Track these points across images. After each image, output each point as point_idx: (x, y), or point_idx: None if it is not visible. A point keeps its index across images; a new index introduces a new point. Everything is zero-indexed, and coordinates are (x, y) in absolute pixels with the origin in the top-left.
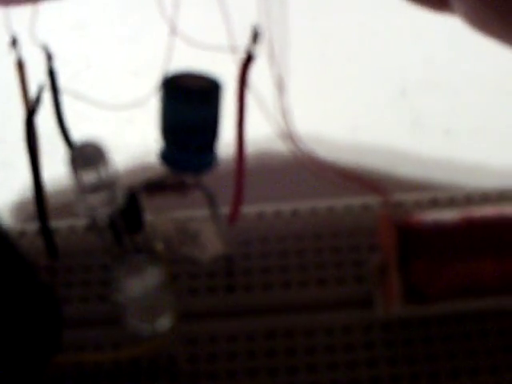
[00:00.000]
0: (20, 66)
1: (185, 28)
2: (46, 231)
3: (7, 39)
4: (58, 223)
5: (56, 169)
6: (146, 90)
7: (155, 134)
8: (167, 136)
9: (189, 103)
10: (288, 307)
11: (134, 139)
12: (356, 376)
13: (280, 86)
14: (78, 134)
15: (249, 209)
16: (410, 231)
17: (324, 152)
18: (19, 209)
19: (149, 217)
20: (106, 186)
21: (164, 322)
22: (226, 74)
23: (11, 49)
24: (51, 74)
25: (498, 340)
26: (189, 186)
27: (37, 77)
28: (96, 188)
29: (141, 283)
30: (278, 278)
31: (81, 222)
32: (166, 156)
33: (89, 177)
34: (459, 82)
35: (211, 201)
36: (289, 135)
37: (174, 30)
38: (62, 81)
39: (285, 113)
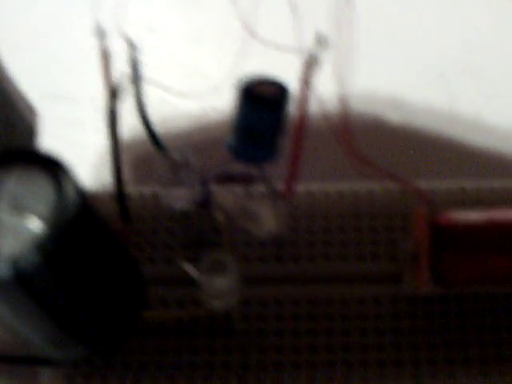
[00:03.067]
0: (104, 55)
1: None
2: (121, 198)
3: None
4: (129, 189)
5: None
6: (207, 56)
7: None
8: (238, 133)
9: (261, 111)
10: (328, 278)
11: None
12: (382, 341)
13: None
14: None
15: (299, 187)
16: (440, 228)
17: (368, 128)
18: (93, 171)
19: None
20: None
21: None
22: (287, 71)
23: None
24: (134, 64)
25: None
26: (254, 177)
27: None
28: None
29: (222, 281)
30: (321, 251)
31: (150, 189)
32: (236, 149)
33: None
34: (495, 67)
35: (271, 190)
36: (343, 127)
37: (251, 33)
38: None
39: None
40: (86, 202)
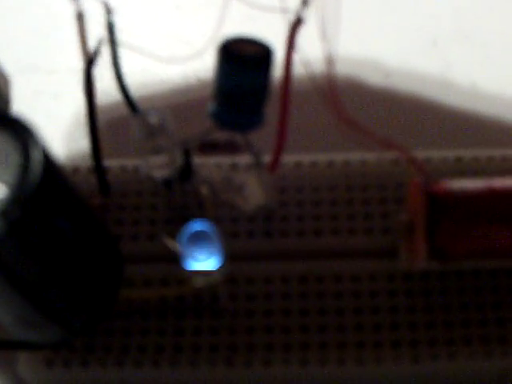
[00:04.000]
0: (79, 18)
1: None
2: (99, 170)
3: None
4: (109, 162)
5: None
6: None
7: None
8: (220, 98)
9: (243, 70)
10: (319, 253)
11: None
12: (377, 320)
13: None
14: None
15: (287, 157)
16: (437, 198)
17: (358, 97)
18: (71, 144)
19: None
20: (167, 149)
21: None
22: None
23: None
24: (111, 28)
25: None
26: (239, 146)
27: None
28: (158, 151)
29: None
30: (311, 226)
31: (131, 162)
32: (218, 116)
33: (152, 143)
34: (487, 33)
35: (257, 160)
36: (331, 95)
37: None
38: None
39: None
40: (54, 168)
